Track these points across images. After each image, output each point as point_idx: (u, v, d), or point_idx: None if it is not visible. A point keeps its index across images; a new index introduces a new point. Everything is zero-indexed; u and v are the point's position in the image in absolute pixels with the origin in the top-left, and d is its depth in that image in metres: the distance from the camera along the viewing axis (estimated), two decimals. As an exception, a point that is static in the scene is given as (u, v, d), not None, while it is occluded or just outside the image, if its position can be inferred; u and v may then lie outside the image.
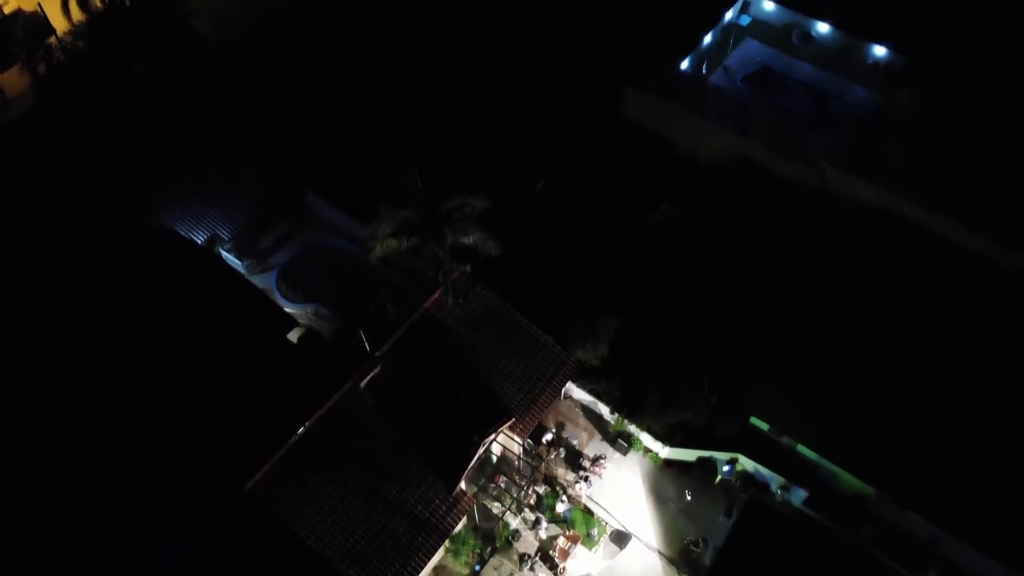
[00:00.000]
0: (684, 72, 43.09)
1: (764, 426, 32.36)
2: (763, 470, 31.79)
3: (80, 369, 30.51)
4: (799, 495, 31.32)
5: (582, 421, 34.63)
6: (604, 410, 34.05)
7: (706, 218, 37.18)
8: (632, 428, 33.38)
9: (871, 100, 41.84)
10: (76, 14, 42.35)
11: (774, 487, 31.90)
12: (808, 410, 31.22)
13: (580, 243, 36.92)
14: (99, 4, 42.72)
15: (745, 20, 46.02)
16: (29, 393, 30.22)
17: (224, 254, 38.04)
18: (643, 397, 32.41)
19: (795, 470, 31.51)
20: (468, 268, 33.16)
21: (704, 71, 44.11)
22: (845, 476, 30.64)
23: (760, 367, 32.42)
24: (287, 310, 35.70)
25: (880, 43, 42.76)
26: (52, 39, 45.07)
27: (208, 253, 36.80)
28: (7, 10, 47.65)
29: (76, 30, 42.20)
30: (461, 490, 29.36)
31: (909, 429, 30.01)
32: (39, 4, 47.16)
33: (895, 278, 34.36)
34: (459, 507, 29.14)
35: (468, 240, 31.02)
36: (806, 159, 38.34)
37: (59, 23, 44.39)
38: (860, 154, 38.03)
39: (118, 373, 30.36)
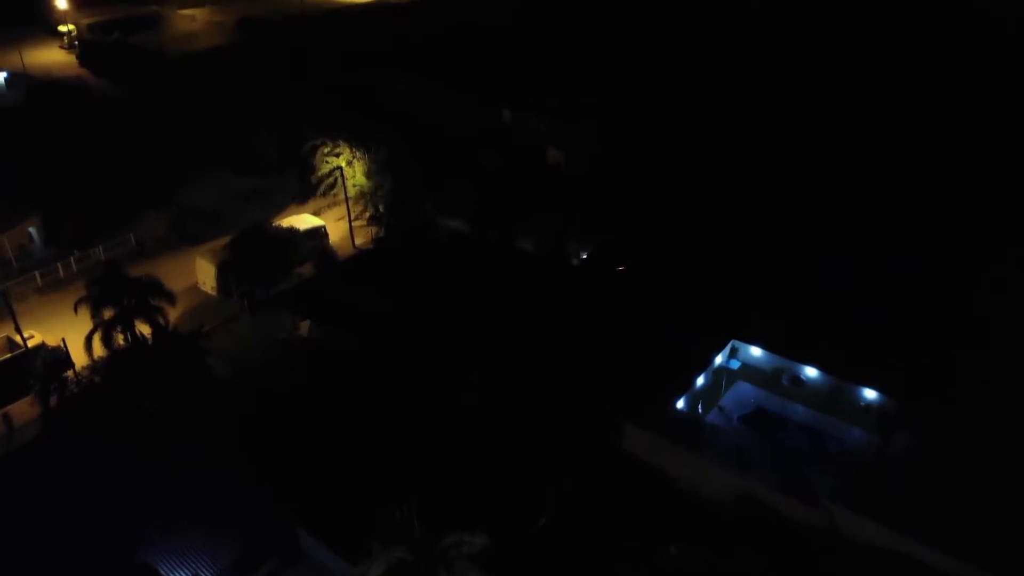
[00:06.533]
0: (680, 411, 44.05)
1: None
2: None
3: None
4: None
5: None
6: None
7: (716, 565, 35.19)
8: None
9: (869, 440, 42.01)
10: (98, 350, 44.74)
11: None
12: None
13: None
14: (122, 342, 45.29)
15: (735, 364, 48.15)
16: None
17: (203, 597, 35.51)
18: None
19: None
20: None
21: (700, 410, 45.12)
22: None
23: None
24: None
25: (869, 387, 43.76)
26: (70, 372, 46.83)
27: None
28: (31, 344, 50.31)
29: (95, 365, 44.22)
30: None
31: None
32: (63, 340, 49.92)
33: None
34: None
35: (465, 583, 29.02)
36: (811, 498, 37.56)
37: (80, 358, 46.59)
38: (864, 494, 37.31)
39: None
